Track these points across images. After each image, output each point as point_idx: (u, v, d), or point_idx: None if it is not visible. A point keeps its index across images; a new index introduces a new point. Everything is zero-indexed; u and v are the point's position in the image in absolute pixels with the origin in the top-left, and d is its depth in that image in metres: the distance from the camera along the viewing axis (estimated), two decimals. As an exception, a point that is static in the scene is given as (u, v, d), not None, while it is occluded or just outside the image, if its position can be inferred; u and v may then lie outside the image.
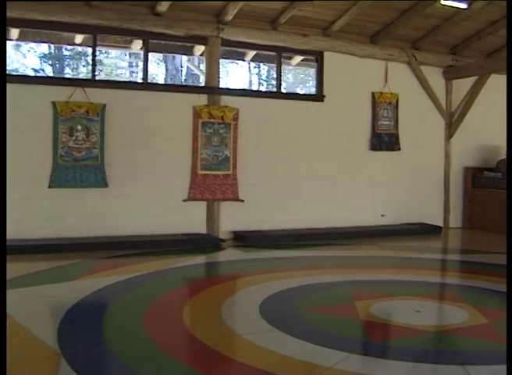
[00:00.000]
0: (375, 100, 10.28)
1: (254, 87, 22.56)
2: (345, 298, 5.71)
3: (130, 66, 21.21)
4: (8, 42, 9.32)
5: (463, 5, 9.46)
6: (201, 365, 3.90)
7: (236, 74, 23.21)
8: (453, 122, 11.07)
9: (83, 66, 19.74)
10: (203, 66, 9.35)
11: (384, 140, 10.33)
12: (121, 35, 8.83)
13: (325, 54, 9.90)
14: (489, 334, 4.74)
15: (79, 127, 8.25)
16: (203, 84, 9.66)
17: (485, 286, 6.41)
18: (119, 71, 21.11)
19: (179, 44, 9.29)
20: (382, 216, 10.34)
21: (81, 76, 19.38)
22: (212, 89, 9.08)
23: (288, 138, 9.66)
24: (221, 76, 9.25)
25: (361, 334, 4.76)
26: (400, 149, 10.52)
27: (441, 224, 10.97)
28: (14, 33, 8.36)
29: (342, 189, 10.07)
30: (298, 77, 23.19)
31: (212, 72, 9.13)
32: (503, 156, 11.15)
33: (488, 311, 5.35)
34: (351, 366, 3.84)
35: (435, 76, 10.94)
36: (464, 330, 4.81)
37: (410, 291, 6.08)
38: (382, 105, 10.31)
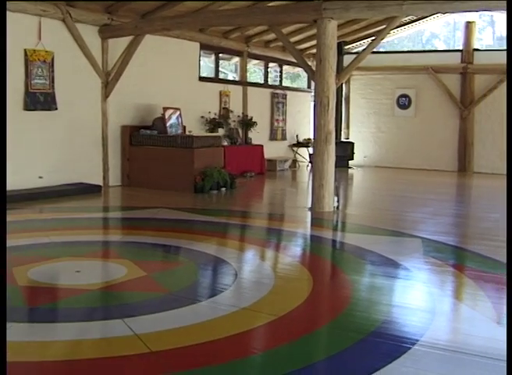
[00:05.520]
0: (28, 58, 9.82)
1: None
2: (2, 265, 5.47)
3: None
4: None
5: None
6: None
7: None
8: (109, 81, 11.13)
9: None
10: None
11: (39, 99, 9.97)
12: None
13: (-29, 6, 9.17)
14: (147, 286, 4.96)
15: None
16: None
17: (142, 240, 6.68)
18: None
19: None
20: (40, 177, 10.06)
21: None
22: None
23: None
24: None
25: (22, 301, 4.60)
26: (56, 109, 10.26)
27: (101, 183, 11.07)
28: None
29: (-4, 151, 9.53)
30: None
31: None
32: (159, 114, 11.60)
33: (146, 264, 5.58)
34: (14, 336, 3.70)
35: (91, 35, 10.84)
36: (124, 284, 4.97)
37: (70, 252, 6.05)
38: (36, 62, 9.90)
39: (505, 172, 15.37)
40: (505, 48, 22.50)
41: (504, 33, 27.27)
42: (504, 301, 4.74)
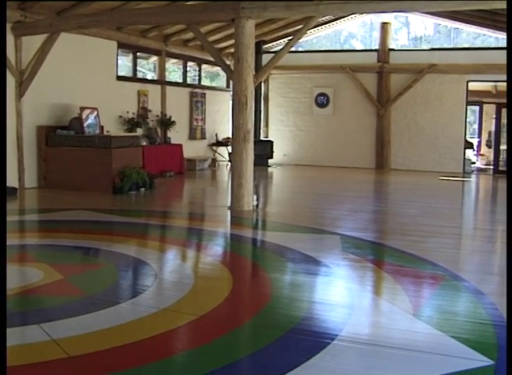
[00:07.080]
0: None
1: None
2: None
3: None
4: None
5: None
6: None
7: None
8: (23, 80, 10.80)
9: None
10: None
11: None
12: None
13: None
14: (64, 290, 4.85)
15: None
16: None
17: (60, 243, 6.52)
18: None
19: None
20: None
21: None
22: None
23: None
24: None
25: None
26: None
27: (16, 185, 10.73)
28: None
29: None
30: None
31: None
32: (75, 114, 11.36)
33: (63, 267, 5.46)
34: None
35: (2, 32, 10.50)
36: (40, 288, 4.85)
37: (-16, 256, 5.85)
38: None
39: (420, 168, 15.85)
40: (419, 48, 23.37)
41: (419, 34, 28.11)
42: (421, 294, 4.89)
